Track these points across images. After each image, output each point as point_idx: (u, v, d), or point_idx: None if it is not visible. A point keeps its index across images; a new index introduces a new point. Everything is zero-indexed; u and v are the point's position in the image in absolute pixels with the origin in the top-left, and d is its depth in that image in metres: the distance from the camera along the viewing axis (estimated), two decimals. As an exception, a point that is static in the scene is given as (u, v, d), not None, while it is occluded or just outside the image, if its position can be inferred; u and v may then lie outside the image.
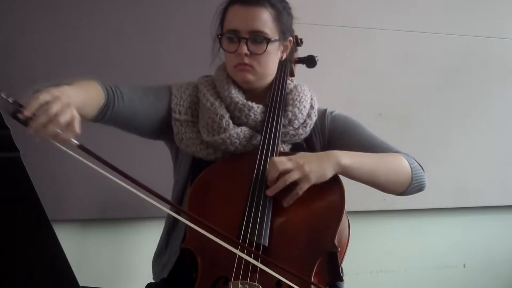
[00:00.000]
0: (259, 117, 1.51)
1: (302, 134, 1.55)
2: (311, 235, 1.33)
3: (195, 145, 1.52)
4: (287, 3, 1.56)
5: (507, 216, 2.80)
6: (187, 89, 1.57)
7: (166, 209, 1.24)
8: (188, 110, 1.54)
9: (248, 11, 1.47)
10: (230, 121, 1.50)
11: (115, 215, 2.16)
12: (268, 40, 1.47)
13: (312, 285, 1.25)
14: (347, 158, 1.40)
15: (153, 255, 1.63)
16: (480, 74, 2.62)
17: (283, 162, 1.35)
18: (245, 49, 1.47)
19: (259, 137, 1.48)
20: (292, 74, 1.68)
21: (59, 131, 1.13)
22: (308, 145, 1.58)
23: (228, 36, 1.49)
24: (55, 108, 1.13)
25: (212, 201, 1.41)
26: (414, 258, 2.69)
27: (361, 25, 2.42)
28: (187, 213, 1.34)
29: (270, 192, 1.35)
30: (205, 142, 1.51)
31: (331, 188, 1.38)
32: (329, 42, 2.36)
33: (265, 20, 1.47)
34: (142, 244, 2.18)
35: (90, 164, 1.14)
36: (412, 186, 1.50)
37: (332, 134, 1.57)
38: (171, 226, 1.57)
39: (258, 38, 1.47)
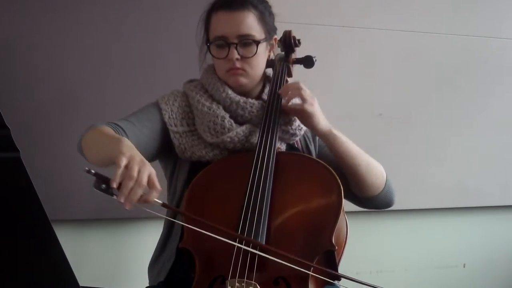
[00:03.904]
0: (260, 112, 1.52)
1: (297, 136, 1.59)
2: (309, 233, 1.33)
3: (200, 150, 1.51)
4: (267, 2, 1.57)
5: (507, 216, 2.80)
6: (176, 101, 1.56)
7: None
8: (182, 121, 1.54)
9: (233, 16, 1.48)
10: (232, 121, 1.51)
11: (114, 215, 2.15)
12: (257, 42, 1.49)
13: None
14: (339, 132, 1.51)
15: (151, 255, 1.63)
16: (480, 74, 2.62)
17: (306, 91, 1.49)
18: (236, 54, 1.48)
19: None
20: (290, 75, 1.68)
21: (144, 193, 1.13)
22: (303, 147, 1.64)
23: (217, 43, 1.50)
24: (135, 169, 1.13)
25: (209, 201, 1.41)
26: (414, 258, 2.69)
27: (361, 25, 2.42)
28: (183, 212, 1.34)
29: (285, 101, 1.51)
30: (210, 145, 1.51)
31: (329, 186, 1.38)
32: (329, 42, 2.36)
33: (251, 23, 1.49)
34: (141, 244, 2.18)
35: (176, 221, 1.24)
36: (383, 194, 1.55)
37: (319, 150, 1.63)
38: (169, 229, 1.57)
39: (248, 42, 1.49)
